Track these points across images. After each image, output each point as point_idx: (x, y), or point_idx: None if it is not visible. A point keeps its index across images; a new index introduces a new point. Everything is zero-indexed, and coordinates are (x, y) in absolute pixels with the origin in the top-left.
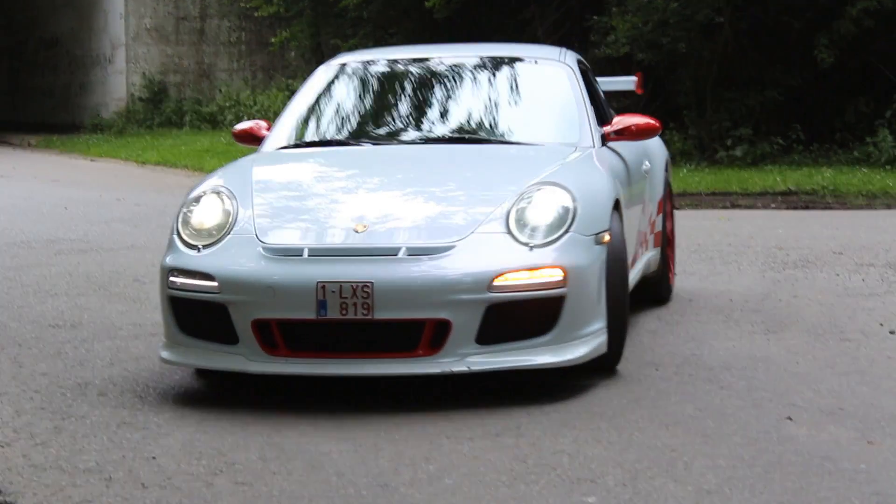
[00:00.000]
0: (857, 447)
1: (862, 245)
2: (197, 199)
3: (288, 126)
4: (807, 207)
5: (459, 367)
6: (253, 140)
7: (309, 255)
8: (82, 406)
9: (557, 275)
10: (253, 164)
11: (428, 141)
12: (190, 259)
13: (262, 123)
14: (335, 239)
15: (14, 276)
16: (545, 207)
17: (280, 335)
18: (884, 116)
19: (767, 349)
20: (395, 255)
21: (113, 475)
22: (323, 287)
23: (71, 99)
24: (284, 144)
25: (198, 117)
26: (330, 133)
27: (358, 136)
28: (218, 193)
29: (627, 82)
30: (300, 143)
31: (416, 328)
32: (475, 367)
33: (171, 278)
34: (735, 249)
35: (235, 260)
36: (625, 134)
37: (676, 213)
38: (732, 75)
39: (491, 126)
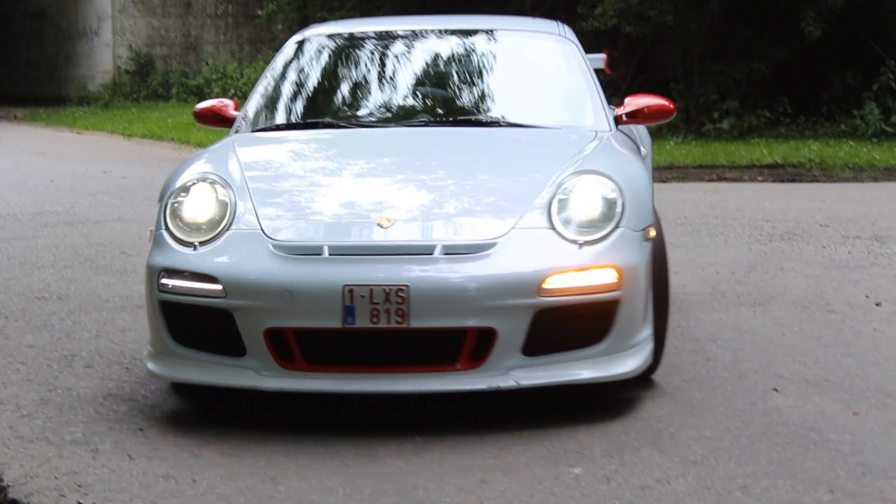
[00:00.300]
0: (842, 418)
1: (848, 218)
2: (185, 189)
3: (264, 105)
4: (793, 180)
5: (506, 382)
6: (218, 121)
7: (330, 255)
8: (69, 378)
9: (611, 276)
10: (238, 149)
11: (428, 123)
12: (185, 258)
13: (228, 102)
14: (358, 235)
15: (0, 249)
16: (589, 199)
17: (298, 346)
18: (870, 89)
19: (753, 321)
20: (431, 254)
21: (100, 447)
22: (350, 291)
23: (57, 71)
24: (263, 126)
25: (184, 90)
26: (314, 113)
27: (346, 116)
28: (209, 181)
29: (596, 60)
30: (281, 125)
31: (457, 338)
32: (523, 382)
33: (163, 280)
34: (721, 222)
35: (242, 259)
36: (638, 117)
37: (663, 185)
38: (720, 48)
39: (497, 107)
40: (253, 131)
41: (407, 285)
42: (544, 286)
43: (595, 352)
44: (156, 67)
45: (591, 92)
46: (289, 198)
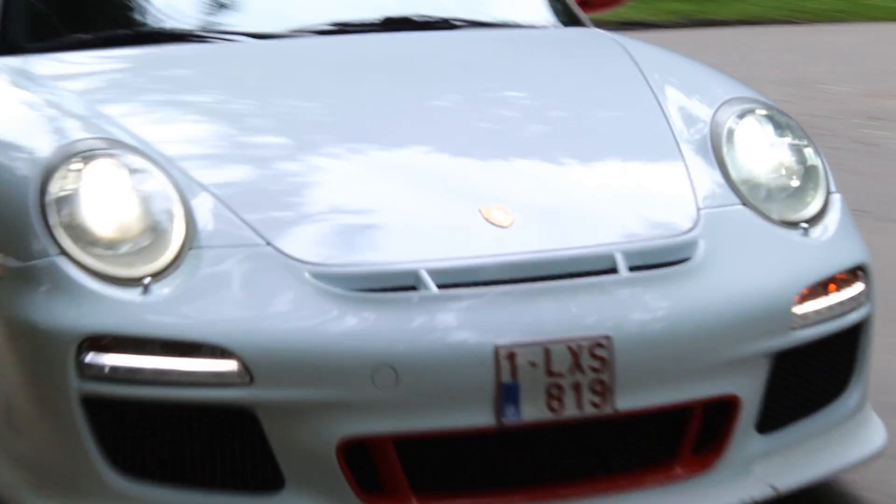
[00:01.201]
0: None
1: None
2: (66, 173)
3: (28, 6)
4: None
5: (760, 489)
6: None
7: (439, 286)
8: None
9: (859, 280)
10: (83, 87)
11: (346, 29)
12: (136, 312)
13: None
14: (469, 246)
15: None
16: (772, 149)
17: (402, 466)
18: None
19: None
20: (614, 270)
21: None
22: (511, 357)
23: None
24: (54, 43)
25: None
26: (152, 17)
27: (216, 24)
28: (107, 154)
29: None
30: (87, 40)
31: (674, 421)
32: (780, 485)
33: (88, 358)
34: None
35: (265, 306)
36: (590, 4)
37: None
38: None
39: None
40: (39, 51)
41: (608, 336)
42: (795, 311)
43: (842, 412)
44: None
45: None
46: (272, 183)
